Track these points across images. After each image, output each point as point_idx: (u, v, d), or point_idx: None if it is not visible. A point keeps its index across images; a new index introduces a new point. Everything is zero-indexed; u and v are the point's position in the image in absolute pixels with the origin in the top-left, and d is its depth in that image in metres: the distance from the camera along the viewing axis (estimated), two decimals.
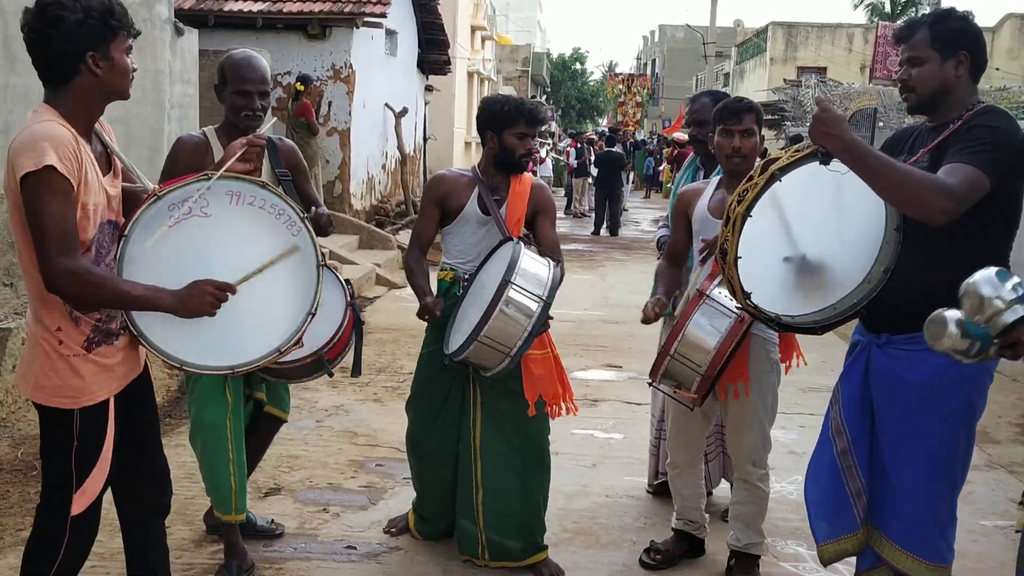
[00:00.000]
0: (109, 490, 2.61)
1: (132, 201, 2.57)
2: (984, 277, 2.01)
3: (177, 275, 2.47)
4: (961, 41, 2.67)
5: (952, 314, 2.04)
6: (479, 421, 3.54)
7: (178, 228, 2.52)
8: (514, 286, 3.07)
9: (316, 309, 2.63)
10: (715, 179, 3.60)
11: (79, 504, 2.46)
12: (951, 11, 2.73)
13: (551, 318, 3.24)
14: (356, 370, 3.61)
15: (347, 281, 3.51)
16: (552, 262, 3.30)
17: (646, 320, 3.39)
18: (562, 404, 3.55)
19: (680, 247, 3.67)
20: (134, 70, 2.46)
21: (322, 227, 3.36)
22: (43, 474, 2.55)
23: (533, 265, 3.21)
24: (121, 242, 2.48)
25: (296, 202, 2.74)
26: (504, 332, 3.08)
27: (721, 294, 3.19)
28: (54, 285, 2.31)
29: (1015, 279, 2.01)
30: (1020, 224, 2.71)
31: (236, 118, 3.30)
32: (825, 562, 2.93)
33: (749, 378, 3.39)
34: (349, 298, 3.45)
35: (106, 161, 2.53)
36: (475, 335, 3.08)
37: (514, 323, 3.08)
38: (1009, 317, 1.97)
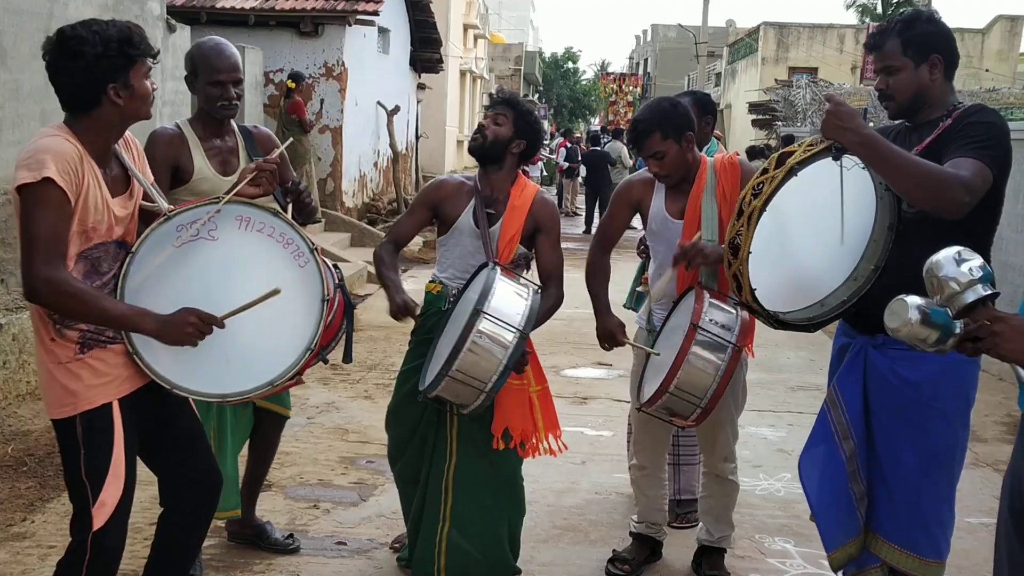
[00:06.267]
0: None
1: (149, 221, 2.56)
2: (946, 256, 1.95)
3: (177, 297, 2.45)
4: (932, 45, 2.65)
5: (914, 300, 1.96)
6: (455, 452, 3.28)
7: (183, 250, 2.51)
8: (487, 316, 2.83)
9: (316, 345, 2.59)
10: None
11: (99, 517, 2.42)
12: (918, 15, 2.72)
13: (528, 353, 3.05)
14: (347, 356, 3.54)
15: (335, 265, 3.46)
16: (533, 287, 3.07)
17: (613, 345, 3.50)
18: (537, 442, 3.27)
19: (615, 234, 3.63)
20: (154, 90, 2.46)
21: (304, 204, 3.29)
22: (68, 493, 2.52)
23: (510, 292, 2.96)
24: (127, 259, 2.46)
25: (304, 233, 2.64)
26: (477, 366, 2.83)
27: (712, 322, 3.09)
28: (32, 291, 2.31)
29: (978, 259, 1.95)
30: (1018, 228, 2.72)
31: (212, 108, 3.29)
32: (835, 569, 2.90)
33: None
34: (338, 280, 3.38)
35: (123, 181, 2.52)
36: (446, 370, 2.83)
37: (488, 356, 2.82)
38: (970, 296, 1.91)
